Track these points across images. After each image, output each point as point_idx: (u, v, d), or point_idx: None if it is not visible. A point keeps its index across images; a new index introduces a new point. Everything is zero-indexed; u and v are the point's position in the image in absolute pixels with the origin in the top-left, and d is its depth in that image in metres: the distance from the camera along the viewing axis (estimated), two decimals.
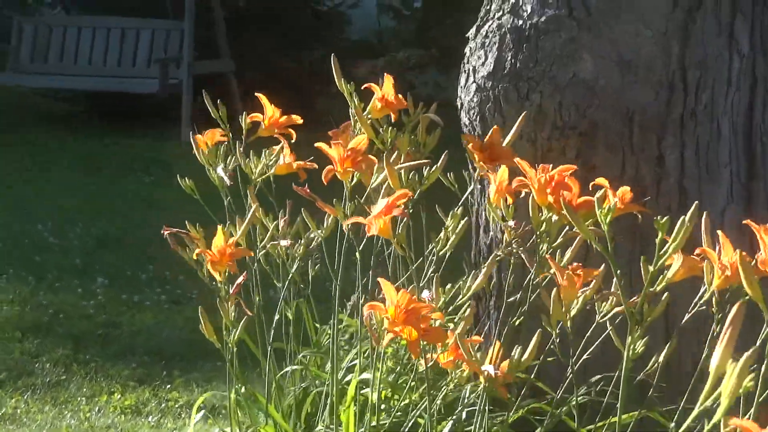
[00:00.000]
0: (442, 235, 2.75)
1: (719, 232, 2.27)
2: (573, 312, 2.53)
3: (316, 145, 2.92)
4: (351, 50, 12.35)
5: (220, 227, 2.91)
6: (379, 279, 2.44)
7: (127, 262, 7.17)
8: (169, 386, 5.19)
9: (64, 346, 5.65)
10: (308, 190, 2.91)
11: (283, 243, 3.07)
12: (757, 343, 2.27)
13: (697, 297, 2.41)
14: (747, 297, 2.30)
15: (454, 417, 3.07)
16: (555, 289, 2.49)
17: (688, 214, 2.07)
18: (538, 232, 2.64)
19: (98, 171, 9.99)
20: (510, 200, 2.72)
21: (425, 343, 2.46)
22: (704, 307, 2.44)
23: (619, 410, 2.22)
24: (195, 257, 3.03)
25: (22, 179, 9.57)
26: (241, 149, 3.27)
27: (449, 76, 10.31)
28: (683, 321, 2.47)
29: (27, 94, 12.90)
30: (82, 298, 6.43)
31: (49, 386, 5.16)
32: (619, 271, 2.19)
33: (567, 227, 2.63)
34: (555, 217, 2.59)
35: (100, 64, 12.04)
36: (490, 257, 2.71)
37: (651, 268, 2.14)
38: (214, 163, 3.35)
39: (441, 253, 2.76)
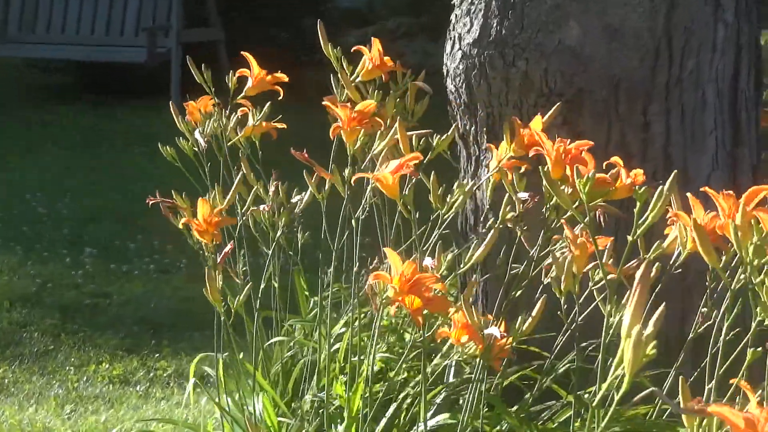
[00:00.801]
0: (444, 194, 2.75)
1: (688, 195, 2.27)
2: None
3: (323, 102, 2.94)
4: (341, 19, 12.33)
5: (200, 199, 2.91)
6: (384, 249, 2.47)
7: (115, 233, 7.17)
8: (157, 355, 5.20)
9: (52, 316, 5.66)
10: (306, 155, 2.91)
11: (263, 207, 3.07)
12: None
13: (672, 260, 2.42)
14: (652, 256, 2.31)
15: (446, 387, 3.08)
16: (568, 257, 2.49)
17: (667, 183, 2.07)
18: (548, 205, 2.64)
19: (88, 142, 9.98)
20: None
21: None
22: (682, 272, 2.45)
23: (598, 378, 2.23)
24: (181, 226, 3.04)
25: (12, 151, 9.55)
26: (227, 110, 3.28)
27: (438, 44, 10.29)
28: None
29: (15, 65, 12.87)
30: (71, 268, 6.43)
31: (37, 356, 5.17)
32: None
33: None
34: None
35: (88, 33, 12.00)
36: (488, 225, 2.71)
37: (630, 238, 2.14)
38: (202, 128, 3.36)
39: (445, 216, 2.76)
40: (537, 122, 2.67)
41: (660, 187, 2.06)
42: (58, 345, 5.30)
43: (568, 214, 2.68)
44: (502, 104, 3.40)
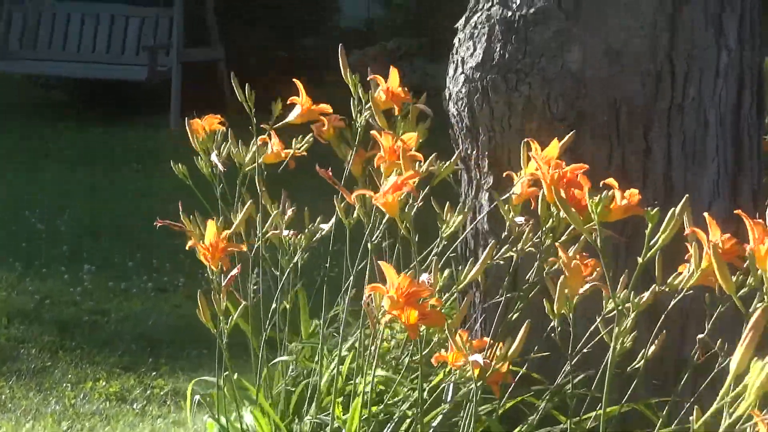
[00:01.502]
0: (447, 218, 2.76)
1: (706, 215, 2.28)
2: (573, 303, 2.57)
3: (371, 132, 2.95)
4: (340, 39, 12.33)
5: (210, 221, 2.90)
6: (380, 262, 2.47)
7: (114, 250, 7.17)
8: (154, 373, 5.20)
9: (50, 333, 5.65)
10: (330, 174, 2.92)
11: (286, 233, 3.07)
12: None
13: (682, 281, 2.43)
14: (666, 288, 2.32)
15: (443, 409, 3.08)
16: (561, 278, 2.51)
17: (678, 207, 2.08)
18: (544, 228, 2.65)
19: (87, 159, 9.97)
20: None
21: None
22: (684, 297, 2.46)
23: (603, 404, 2.23)
24: (188, 249, 3.02)
25: (11, 167, 9.55)
26: (261, 138, 3.27)
27: (438, 65, 10.31)
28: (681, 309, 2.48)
29: (16, 81, 12.88)
30: (69, 285, 6.43)
31: (34, 372, 5.16)
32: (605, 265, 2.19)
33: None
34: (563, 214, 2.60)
35: (89, 51, 12.01)
36: (488, 247, 2.71)
37: (639, 260, 2.15)
38: (209, 149, 3.35)
39: (445, 235, 2.77)
40: (554, 147, 2.70)
41: (671, 210, 2.06)
42: (56, 361, 5.30)
43: (563, 238, 2.69)
44: (504, 128, 3.41)
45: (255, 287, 3.31)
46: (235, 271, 2.88)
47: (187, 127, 3.37)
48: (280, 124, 3.26)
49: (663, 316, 2.64)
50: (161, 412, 4.76)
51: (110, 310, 6.07)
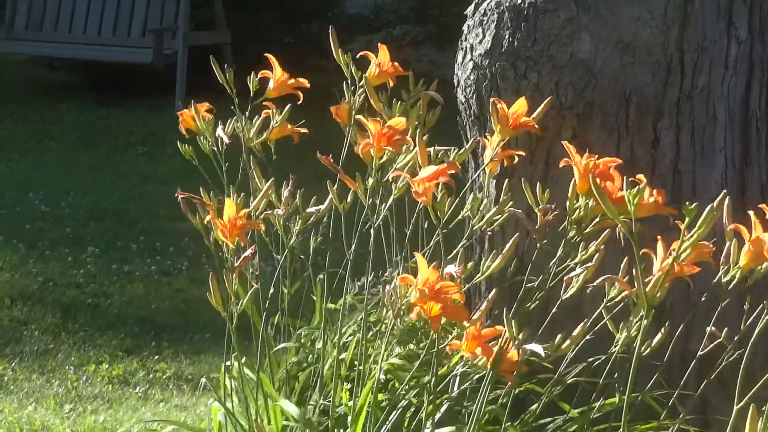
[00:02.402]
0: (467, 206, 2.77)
1: (750, 213, 2.28)
2: (572, 291, 2.57)
3: (335, 108, 2.94)
4: (347, 25, 12.32)
5: (228, 199, 2.88)
6: (415, 253, 2.51)
7: (118, 233, 7.17)
8: (157, 357, 5.19)
9: (53, 315, 5.65)
10: (331, 160, 2.91)
11: (277, 212, 3.05)
12: None
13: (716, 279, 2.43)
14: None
15: (450, 397, 3.08)
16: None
17: (715, 202, 2.07)
18: (570, 218, 2.64)
19: (92, 142, 9.97)
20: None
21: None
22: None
23: (627, 393, 2.22)
24: (205, 223, 3.00)
25: (16, 148, 9.55)
26: (246, 112, 3.27)
27: (445, 53, 10.29)
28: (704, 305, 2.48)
29: (22, 63, 12.87)
30: (73, 267, 6.43)
31: (37, 354, 5.16)
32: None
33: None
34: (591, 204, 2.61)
35: (95, 33, 11.98)
36: (512, 239, 2.70)
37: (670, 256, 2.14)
38: (207, 132, 3.35)
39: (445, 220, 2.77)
40: (521, 104, 2.73)
41: (710, 206, 2.06)
42: (59, 344, 5.30)
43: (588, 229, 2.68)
44: None
45: (257, 273, 3.30)
46: (249, 252, 2.86)
47: (193, 109, 3.37)
48: (259, 100, 3.27)
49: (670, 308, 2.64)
50: (164, 396, 4.76)
51: (113, 292, 6.07)
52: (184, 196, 3.01)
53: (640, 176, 2.39)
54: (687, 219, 2.05)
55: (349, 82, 3.15)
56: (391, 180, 2.83)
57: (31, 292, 5.96)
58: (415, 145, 2.78)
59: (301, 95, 3.25)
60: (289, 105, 3.30)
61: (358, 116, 2.96)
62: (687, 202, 2.04)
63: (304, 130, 3.34)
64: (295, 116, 3.35)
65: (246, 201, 2.98)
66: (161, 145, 9.25)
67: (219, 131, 3.29)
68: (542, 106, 2.88)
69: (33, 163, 9.07)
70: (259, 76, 3.25)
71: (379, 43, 3.24)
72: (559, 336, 2.60)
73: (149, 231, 7.01)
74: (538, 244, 2.69)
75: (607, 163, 2.55)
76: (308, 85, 3.24)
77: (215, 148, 3.34)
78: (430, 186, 2.61)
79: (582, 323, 2.58)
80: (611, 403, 3.01)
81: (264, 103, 3.30)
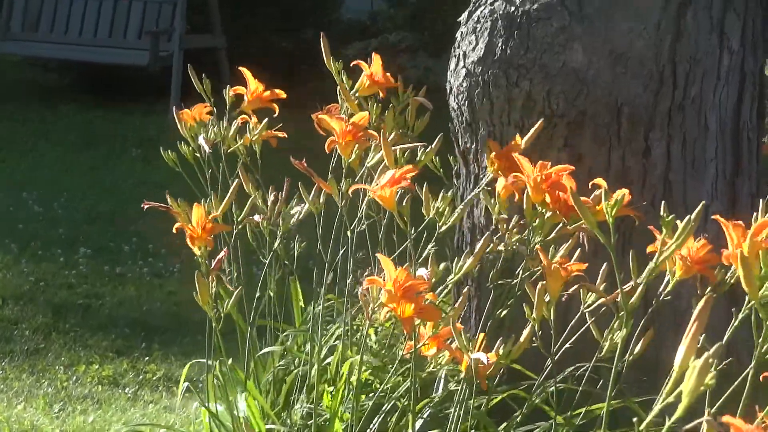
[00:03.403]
0: (439, 207, 2.77)
1: (740, 224, 2.28)
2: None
3: (315, 115, 2.96)
4: (343, 31, 12.33)
5: (195, 204, 2.91)
6: (378, 255, 2.48)
7: (110, 234, 7.17)
8: (147, 358, 5.20)
9: (44, 315, 5.66)
10: (305, 165, 2.93)
11: (257, 218, 3.07)
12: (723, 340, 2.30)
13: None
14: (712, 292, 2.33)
15: (431, 402, 3.09)
16: (540, 284, 2.52)
17: (694, 213, 2.08)
18: (531, 227, 2.66)
19: (87, 143, 9.97)
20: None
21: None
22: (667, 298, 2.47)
23: (607, 398, 2.23)
24: (175, 231, 3.03)
25: (11, 148, 9.55)
26: (225, 122, 3.30)
27: (440, 60, 10.30)
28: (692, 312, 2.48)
29: (17, 64, 12.86)
30: (65, 268, 6.43)
31: (27, 354, 5.17)
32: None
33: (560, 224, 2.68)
34: (548, 214, 2.64)
35: (91, 35, 11.98)
36: (482, 239, 2.72)
37: (652, 264, 2.16)
38: (196, 135, 3.37)
39: (441, 229, 2.77)
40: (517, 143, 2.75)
41: (687, 217, 2.07)
42: (49, 344, 5.31)
43: (551, 236, 2.71)
44: (504, 123, 3.41)
45: (236, 275, 3.32)
46: (222, 254, 2.89)
47: (176, 117, 3.40)
48: (236, 111, 3.29)
49: (656, 315, 2.65)
50: (153, 398, 4.77)
51: (105, 294, 6.08)
52: (151, 205, 3.04)
53: (599, 180, 2.42)
54: (664, 231, 2.07)
55: (339, 90, 3.16)
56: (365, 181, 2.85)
57: (22, 292, 5.97)
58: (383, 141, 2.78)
59: (276, 108, 3.27)
60: (268, 116, 3.33)
61: (321, 116, 2.97)
62: (672, 215, 2.06)
63: (283, 134, 3.37)
64: (288, 120, 3.36)
65: (240, 205, 3.00)
66: (156, 148, 9.18)
67: (200, 140, 3.32)
68: (532, 131, 2.90)
69: (27, 163, 9.07)
70: (233, 92, 3.27)
71: (373, 53, 3.25)
72: (507, 341, 2.61)
73: (142, 233, 7.01)
74: (511, 247, 2.71)
75: (559, 171, 2.58)
76: (284, 96, 3.25)
77: (197, 154, 3.37)
78: (392, 192, 2.61)
79: (529, 325, 2.58)
80: (598, 408, 3.02)
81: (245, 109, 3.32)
